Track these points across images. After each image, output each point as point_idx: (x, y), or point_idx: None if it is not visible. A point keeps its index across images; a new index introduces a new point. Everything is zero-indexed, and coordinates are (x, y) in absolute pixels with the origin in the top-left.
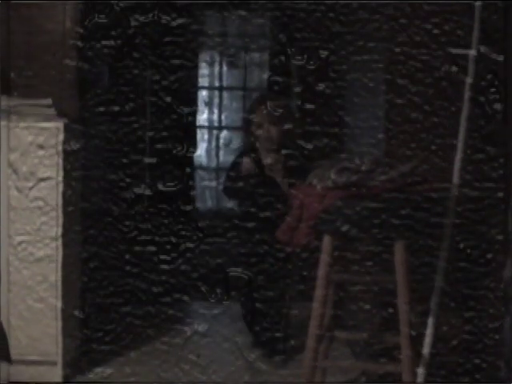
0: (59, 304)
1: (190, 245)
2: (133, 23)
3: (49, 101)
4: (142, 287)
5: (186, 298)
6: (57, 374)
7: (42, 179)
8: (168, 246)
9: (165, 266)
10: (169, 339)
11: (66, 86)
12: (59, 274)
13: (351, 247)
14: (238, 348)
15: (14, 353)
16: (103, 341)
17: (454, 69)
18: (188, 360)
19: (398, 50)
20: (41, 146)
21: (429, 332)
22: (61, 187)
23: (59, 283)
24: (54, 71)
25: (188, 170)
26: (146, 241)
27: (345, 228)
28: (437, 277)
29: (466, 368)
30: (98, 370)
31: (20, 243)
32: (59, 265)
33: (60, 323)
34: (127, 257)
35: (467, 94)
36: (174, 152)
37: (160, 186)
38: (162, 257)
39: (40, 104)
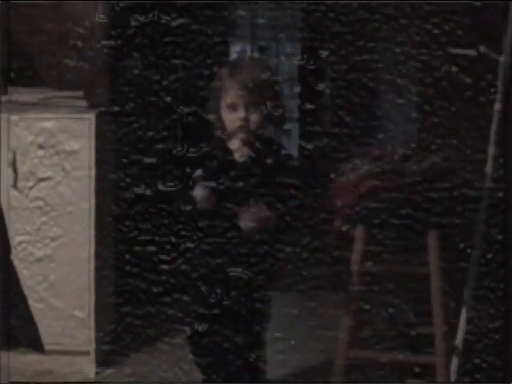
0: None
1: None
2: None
3: (80, 93)
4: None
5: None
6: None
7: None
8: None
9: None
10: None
11: (96, 78)
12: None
13: (384, 237)
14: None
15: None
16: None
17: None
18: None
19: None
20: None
21: (462, 323)
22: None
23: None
24: (83, 62)
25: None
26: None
27: (378, 218)
28: (470, 267)
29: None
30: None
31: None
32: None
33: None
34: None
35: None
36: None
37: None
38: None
39: (72, 96)
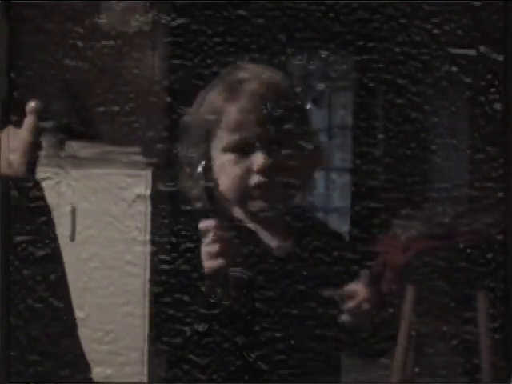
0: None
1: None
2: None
3: (137, 149)
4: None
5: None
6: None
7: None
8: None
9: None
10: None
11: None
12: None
13: (433, 297)
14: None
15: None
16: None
17: None
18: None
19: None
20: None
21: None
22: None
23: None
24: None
25: None
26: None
27: (429, 278)
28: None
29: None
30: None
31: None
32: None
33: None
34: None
35: None
36: None
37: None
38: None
39: (129, 152)
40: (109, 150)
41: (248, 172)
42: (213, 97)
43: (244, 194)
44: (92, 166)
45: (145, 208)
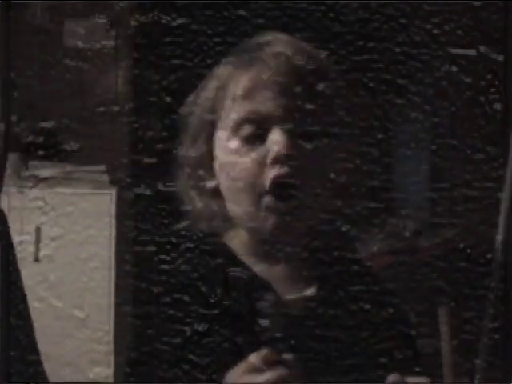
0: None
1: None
2: None
3: (102, 167)
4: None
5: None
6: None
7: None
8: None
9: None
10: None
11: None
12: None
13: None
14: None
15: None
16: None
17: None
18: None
19: None
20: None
21: None
22: None
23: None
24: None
25: None
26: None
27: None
28: (483, 340)
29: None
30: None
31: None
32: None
33: None
34: None
35: None
36: None
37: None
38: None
39: (93, 170)
40: (72, 169)
41: (262, 164)
42: (221, 69)
43: (256, 199)
44: (56, 185)
45: (109, 230)
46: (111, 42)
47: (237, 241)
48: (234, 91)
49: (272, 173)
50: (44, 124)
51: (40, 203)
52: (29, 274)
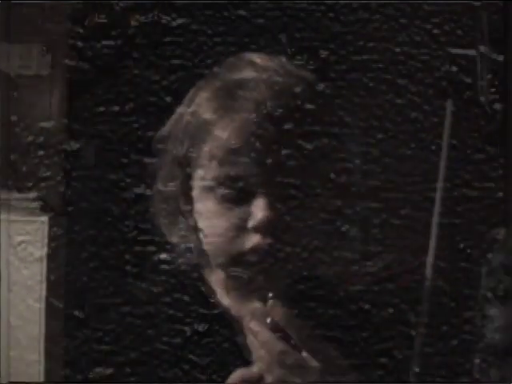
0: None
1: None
2: None
3: (34, 194)
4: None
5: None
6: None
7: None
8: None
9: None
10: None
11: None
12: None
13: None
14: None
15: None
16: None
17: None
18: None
19: None
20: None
21: None
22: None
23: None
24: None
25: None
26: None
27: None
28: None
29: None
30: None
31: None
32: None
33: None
34: None
35: None
36: None
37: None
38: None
39: (25, 198)
40: (5, 196)
41: (241, 228)
42: (200, 102)
43: (234, 262)
44: None
45: (40, 267)
46: (45, 70)
47: (213, 278)
48: (210, 149)
49: (253, 241)
50: None
51: None
52: None
